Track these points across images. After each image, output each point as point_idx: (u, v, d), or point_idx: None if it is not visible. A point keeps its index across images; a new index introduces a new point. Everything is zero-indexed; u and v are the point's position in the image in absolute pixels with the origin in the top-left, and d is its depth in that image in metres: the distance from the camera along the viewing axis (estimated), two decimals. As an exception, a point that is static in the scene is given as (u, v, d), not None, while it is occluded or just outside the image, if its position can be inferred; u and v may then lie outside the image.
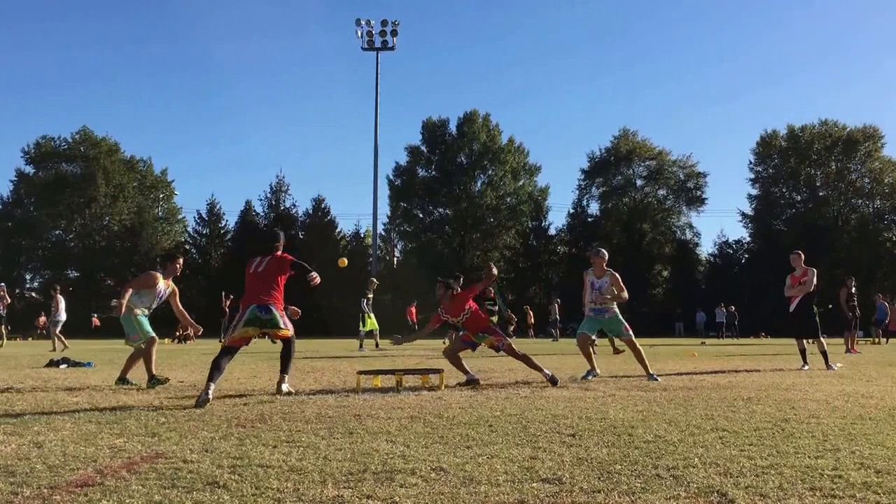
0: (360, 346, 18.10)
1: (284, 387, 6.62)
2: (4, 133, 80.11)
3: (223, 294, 27.76)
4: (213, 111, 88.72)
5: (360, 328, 18.55)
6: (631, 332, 8.53)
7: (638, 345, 8.50)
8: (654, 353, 15.80)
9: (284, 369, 6.76)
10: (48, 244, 51.97)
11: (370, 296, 18.61)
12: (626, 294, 8.55)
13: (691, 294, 45.59)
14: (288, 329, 6.71)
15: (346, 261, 10.87)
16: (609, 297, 8.46)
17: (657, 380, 7.99)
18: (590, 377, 8.44)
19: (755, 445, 3.99)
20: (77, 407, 5.79)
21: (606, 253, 8.83)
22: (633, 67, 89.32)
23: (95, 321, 36.46)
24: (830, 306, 18.54)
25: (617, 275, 8.60)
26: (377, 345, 18.58)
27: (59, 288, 19.80)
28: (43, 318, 36.44)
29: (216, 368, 6.28)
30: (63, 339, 18.01)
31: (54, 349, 17.08)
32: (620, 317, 8.65)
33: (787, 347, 18.63)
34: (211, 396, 5.94)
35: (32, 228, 50.40)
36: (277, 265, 6.80)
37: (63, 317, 18.91)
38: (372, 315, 18.50)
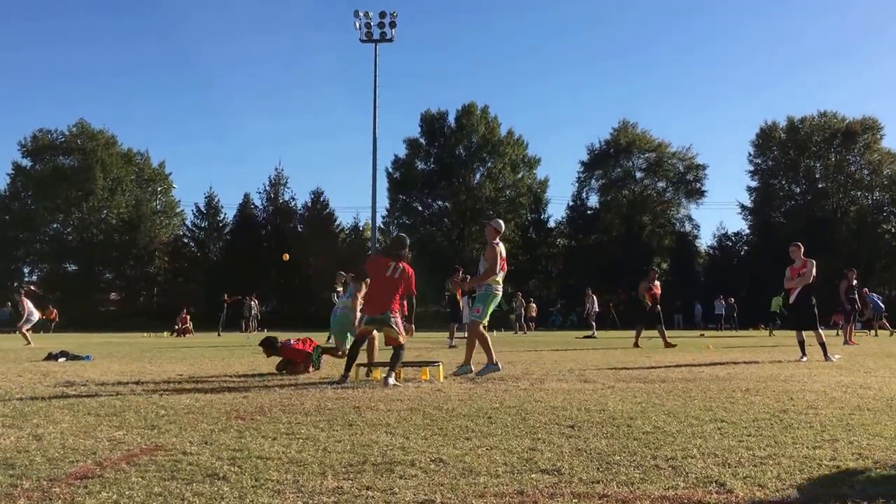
0: (329, 337, 17.94)
1: (390, 381, 6.84)
2: (1, 126, 79.86)
3: (225, 294, 27.95)
4: (211, 105, 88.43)
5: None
6: (478, 317, 7.75)
7: (476, 334, 7.77)
8: (654, 344, 15.82)
9: (392, 367, 7.04)
10: (46, 238, 51.82)
11: (339, 289, 18.43)
12: (488, 270, 7.69)
13: (690, 286, 45.61)
14: (400, 335, 7.17)
15: (287, 256, 11.17)
16: (482, 272, 7.80)
17: (469, 373, 7.58)
18: (490, 371, 7.62)
19: (754, 436, 4.00)
20: (76, 399, 5.79)
21: (497, 224, 8.02)
22: (633, 60, 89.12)
23: (52, 313, 36.51)
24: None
25: (497, 247, 7.82)
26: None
27: (23, 291, 19.76)
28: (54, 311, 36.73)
29: (352, 358, 7.14)
30: (29, 335, 17.87)
31: (29, 343, 17.09)
32: (487, 298, 7.78)
33: (785, 339, 18.66)
34: (348, 382, 6.91)
35: (30, 222, 50.24)
36: (407, 278, 7.28)
37: (35, 316, 18.90)
38: None
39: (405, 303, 7.31)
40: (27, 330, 18.18)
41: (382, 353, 8.03)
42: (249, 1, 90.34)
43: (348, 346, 7.89)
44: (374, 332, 7.68)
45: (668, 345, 14.72)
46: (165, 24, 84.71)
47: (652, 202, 52.72)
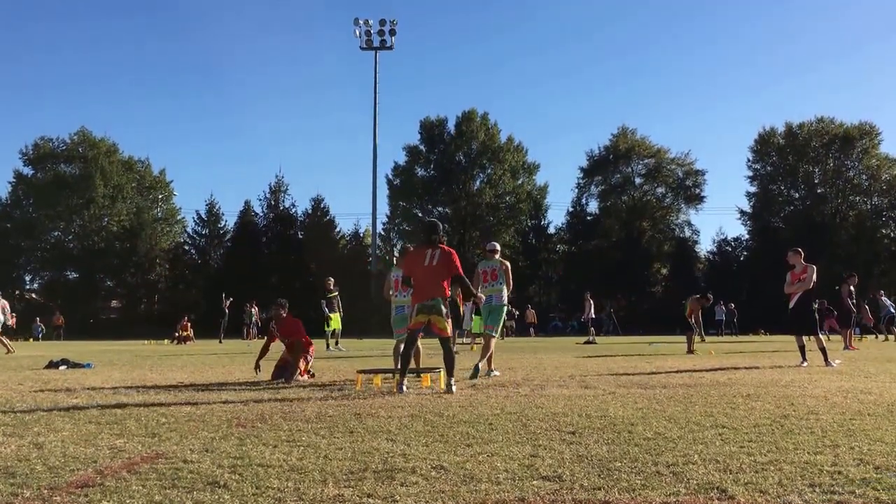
0: (327, 346, 18.05)
1: (454, 387, 6.81)
2: (2, 135, 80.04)
3: (223, 295, 27.87)
4: (212, 112, 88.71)
5: (325, 328, 18.58)
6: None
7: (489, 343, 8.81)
8: (654, 349, 15.83)
9: (450, 372, 6.95)
10: (47, 245, 51.88)
11: (330, 295, 18.48)
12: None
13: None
14: (447, 327, 7.03)
15: None
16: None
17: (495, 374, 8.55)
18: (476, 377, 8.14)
19: (754, 442, 4.00)
20: (77, 408, 5.79)
21: (486, 245, 9.72)
22: (632, 62, 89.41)
23: (59, 320, 36.46)
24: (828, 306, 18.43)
25: (479, 264, 9.31)
26: (337, 343, 18.43)
27: None
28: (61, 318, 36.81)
29: (405, 361, 6.94)
30: (6, 343, 16.89)
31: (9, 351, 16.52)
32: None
33: (786, 344, 18.63)
34: (405, 389, 6.68)
35: (31, 230, 50.32)
36: (448, 260, 7.12)
37: (2, 319, 17.56)
38: (336, 314, 18.41)
39: (458, 289, 7.35)
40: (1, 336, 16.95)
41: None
42: (252, 5, 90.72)
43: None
44: (419, 340, 7.52)
45: (690, 350, 14.85)
46: (167, 26, 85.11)
47: (651, 208, 52.80)
